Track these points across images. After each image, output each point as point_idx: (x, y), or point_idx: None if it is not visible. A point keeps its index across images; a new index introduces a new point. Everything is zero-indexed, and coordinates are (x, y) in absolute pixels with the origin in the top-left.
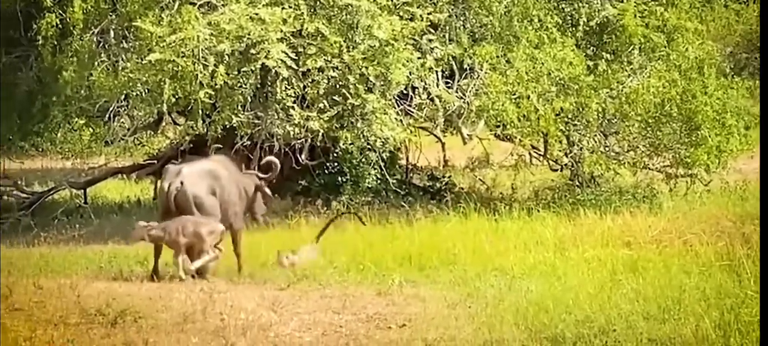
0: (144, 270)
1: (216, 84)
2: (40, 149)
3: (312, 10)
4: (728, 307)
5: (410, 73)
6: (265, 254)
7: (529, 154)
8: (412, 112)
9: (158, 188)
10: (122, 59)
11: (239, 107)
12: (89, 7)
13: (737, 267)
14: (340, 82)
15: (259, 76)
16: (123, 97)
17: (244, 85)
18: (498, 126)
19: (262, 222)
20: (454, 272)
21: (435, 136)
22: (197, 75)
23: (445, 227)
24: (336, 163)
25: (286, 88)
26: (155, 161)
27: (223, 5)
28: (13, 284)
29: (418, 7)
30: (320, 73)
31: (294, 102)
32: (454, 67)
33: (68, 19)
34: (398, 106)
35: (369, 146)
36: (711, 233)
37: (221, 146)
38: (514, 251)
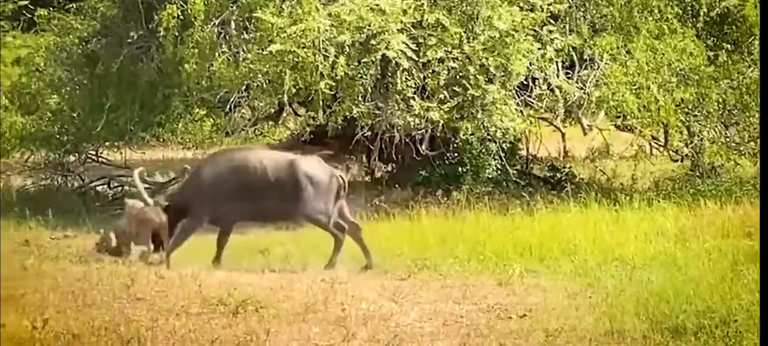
0: (265, 260)
1: (336, 75)
2: (162, 140)
3: (432, 1)
4: None
5: (530, 63)
6: (386, 244)
7: (650, 144)
8: (533, 102)
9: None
10: (243, 50)
11: (360, 98)
12: None
13: None
14: (461, 73)
15: (379, 67)
16: (244, 87)
17: (364, 76)
18: (618, 116)
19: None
20: (575, 262)
21: (555, 126)
22: (318, 66)
23: (566, 217)
24: (456, 154)
25: (406, 78)
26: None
27: None
28: (135, 274)
29: None
30: (440, 63)
31: (414, 93)
32: (575, 57)
33: (189, 11)
34: (518, 96)
35: (489, 137)
36: None
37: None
38: (634, 241)
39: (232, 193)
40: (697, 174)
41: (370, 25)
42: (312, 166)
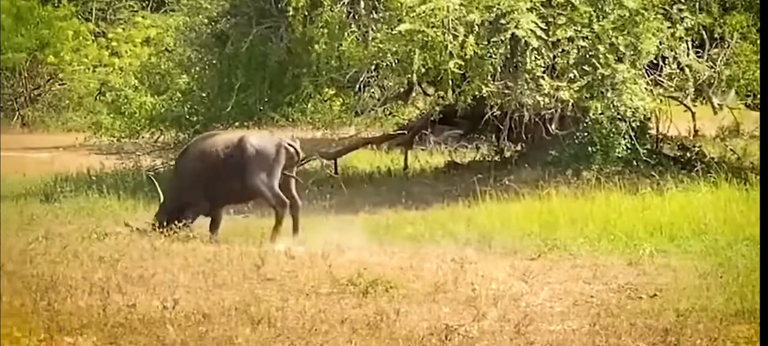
0: (392, 239)
1: (466, 54)
2: (291, 120)
3: None
4: None
5: (660, 42)
6: (516, 224)
7: None
8: (662, 81)
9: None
10: (372, 29)
11: (489, 77)
12: None
13: None
14: (590, 52)
15: (508, 46)
16: (373, 67)
17: (493, 56)
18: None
19: None
20: (705, 242)
21: (685, 106)
22: (447, 45)
23: (696, 197)
24: (586, 133)
25: (535, 58)
26: (405, 132)
27: None
28: (265, 254)
29: None
30: (570, 43)
31: (544, 72)
32: (704, 36)
33: None
34: (648, 75)
35: (619, 116)
36: None
37: None
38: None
39: (203, 179)
40: None
41: (499, 4)
42: (258, 138)
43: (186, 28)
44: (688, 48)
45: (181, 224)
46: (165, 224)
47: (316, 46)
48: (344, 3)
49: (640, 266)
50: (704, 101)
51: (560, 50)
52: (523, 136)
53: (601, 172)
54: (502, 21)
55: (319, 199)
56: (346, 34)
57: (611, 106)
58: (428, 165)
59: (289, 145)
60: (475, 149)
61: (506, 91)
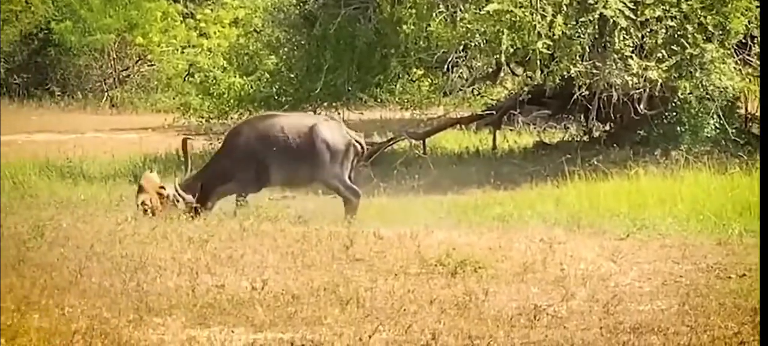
0: (481, 219)
1: (554, 34)
2: (379, 100)
3: None
4: None
5: (749, 22)
6: (605, 204)
7: None
8: (751, 61)
9: None
10: (460, 10)
11: (577, 57)
12: None
13: None
14: (679, 32)
15: (597, 26)
16: (461, 47)
17: (582, 35)
18: None
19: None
20: None
21: None
22: (535, 25)
23: None
24: (674, 113)
25: (624, 37)
26: (494, 112)
27: None
28: (354, 235)
29: None
30: (658, 22)
31: (632, 52)
32: None
33: None
34: (737, 55)
35: (707, 96)
36: None
37: None
38: None
39: (259, 159)
40: None
41: None
42: (330, 132)
43: (274, 9)
44: None
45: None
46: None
47: (405, 27)
48: None
49: (729, 245)
50: None
51: (648, 30)
52: (612, 116)
53: (689, 151)
54: (591, 1)
55: (408, 179)
56: (434, 14)
57: (700, 85)
58: (517, 145)
59: (357, 141)
60: (564, 129)
61: (594, 71)
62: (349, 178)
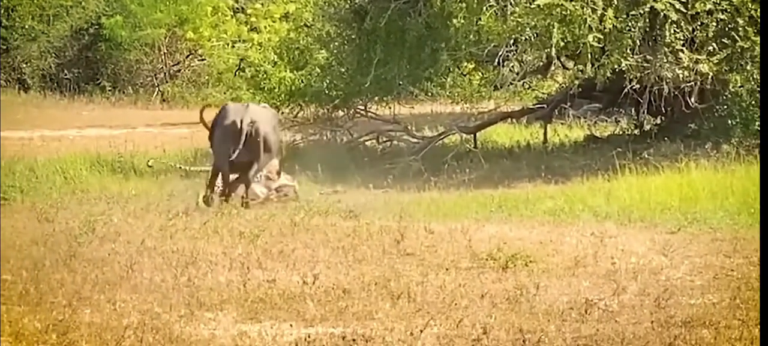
0: (532, 213)
1: (604, 28)
2: (430, 94)
3: None
4: None
5: None
6: (656, 198)
7: None
8: None
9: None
10: (511, 4)
11: (628, 51)
12: None
13: None
14: (729, 25)
15: (647, 20)
16: (512, 41)
17: (632, 29)
18: None
19: None
20: None
21: None
22: (586, 19)
23: None
24: (725, 106)
25: (675, 31)
26: (545, 106)
27: None
28: (404, 229)
29: None
30: (709, 15)
31: (683, 45)
32: None
33: None
34: None
35: (759, 89)
36: None
37: None
38: None
39: None
40: None
41: None
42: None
43: (325, 4)
44: None
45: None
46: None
47: (455, 21)
48: None
49: None
50: None
51: (699, 23)
52: (663, 109)
53: (740, 145)
54: None
55: (459, 173)
56: (484, 8)
57: (751, 78)
58: (567, 139)
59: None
60: (615, 123)
61: (645, 65)
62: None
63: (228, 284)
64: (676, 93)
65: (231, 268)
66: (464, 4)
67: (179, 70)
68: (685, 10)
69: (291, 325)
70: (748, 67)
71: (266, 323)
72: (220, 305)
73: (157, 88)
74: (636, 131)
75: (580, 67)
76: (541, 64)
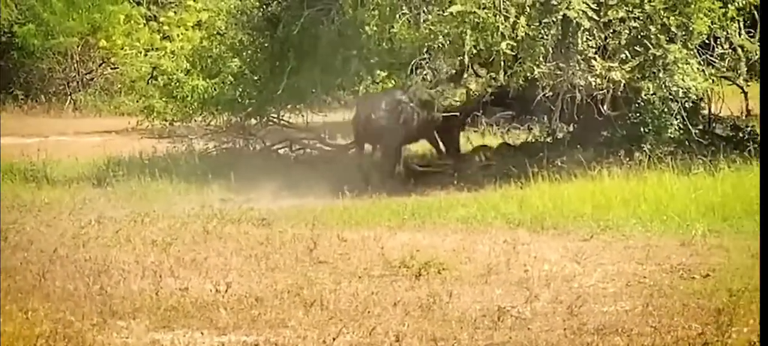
0: (444, 221)
1: (517, 35)
2: (343, 102)
3: None
4: None
5: (712, 22)
6: (569, 205)
7: None
8: (714, 61)
9: None
10: (423, 12)
11: (541, 58)
12: None
13: None
14: (642, 33)
15: (560, 27)
16: (424, 49)
17: (545, 37)
18: None
19: None
20: (758, 222)
21: (737, 85)
22: (498, 26)
23: (749, 177)
24: (638, 114)
25: (587, 38)
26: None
27: None
28: (317, 237)
29: None
30: (622, 23)
31: (595, 53)
32: (756, 16)
33: None
34: (700, 56)
35: (671, 96)
36: None
37: None
38: None
39: None
40: None
41: None
42: None
43: (237, 12)
44: (740, 28)
45: None
46: None
47: (367, 29)
48: None
49: (693, 246)
50: (757, 81)
51: (612, 31)
52: (575, 117)
53: (653, 152)
54: (554, 2)
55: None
56: (397, 16)
57: (663, 86)
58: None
59: None
60: (527, 131)
61: (558, 73)
62: None
63: (140, 293)
64: (588, 101)
65: (143, 276)
66: (376, 12)
67: (92, 79)
68: (597, 18)
69: (203, 333)
70: (661, 75)
71: (179, 332)
72: (132, 313)
73: (69, 97)
74: (549, 139)
75: (493, 74)
76: (454, 72)
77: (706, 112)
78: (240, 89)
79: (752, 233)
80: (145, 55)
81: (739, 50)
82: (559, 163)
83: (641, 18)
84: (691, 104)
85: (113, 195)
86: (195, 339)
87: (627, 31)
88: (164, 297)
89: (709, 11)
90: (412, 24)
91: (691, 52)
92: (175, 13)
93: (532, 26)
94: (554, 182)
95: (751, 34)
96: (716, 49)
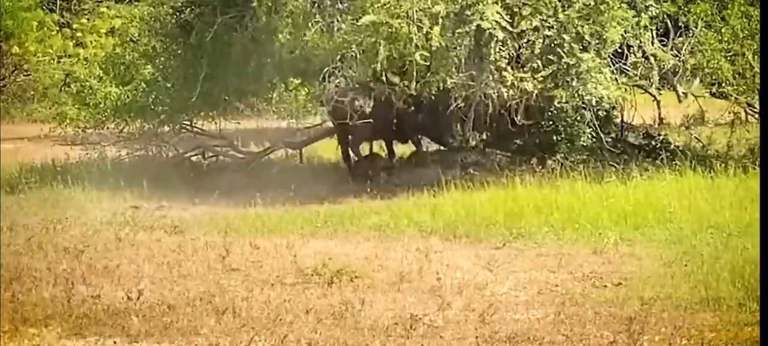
0: (357, 229)
1: (431, 46)
2: (256, 109)
3: None
4: None
5: (625, 31)
6: (481, 213)
7: (745, 111)
8: (627, 70)
9: None
10: (337, 20)
11: (454, 69)
12: None
13: None
14: (555, 42)
15: (473, 38)
16: (338, 57)
17: (458, 47)
18: (713, 84)
19: None
20: (670, 230)
21: (650, 94)
22: (412, 37)
23: (661, 185)
24: (551, 122)
25: (500, 49)
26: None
27: None
28: (230, 245)
29: None
30: (535, 33)
31: (508, 63)
32: (669, 25)
33: None
34: (613, 64)
35: (584, 105)
36: None
37: None
38: (730, 208)
39: None
40: None
41: None
42: None
43: (151, 18)
44: (652, 37)
45: None
46: None
47: (281, 36)
48: None
49: (605, 254)
50: (669, 90)
51: (525, 41)
52: (489, 125)
53: (566, 161)
54: (467, 12)
55: (284, 189)
56: (310, 24)
57: (576, 95)
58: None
59: None
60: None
61: (471, 83)
62: None
63: (52, 300)
64: (501, 110)
65: (55, 284)
66: (290, 20)
67: (4, 85)
68: (511, 29)
69: (115, 341)
70: (573, 84)
71: (91, 339)
72: (44, 320)
73: None
74: (462, 147)
75: (406, 84)
76: (368, 80)
77: (618, 120)
78: (153, 96)
79: (664, 241)
80: (58, 61)
81: (652, 59)
82: (472, 172)
83: (555, 27)
84: (603, 113)
85: (25, 202)
86: None
87: (540, 41)
88: (76, 305)
89: (622, 20)
90: (325, 32)
91: (605, 61)
92: (88, 19)
93: (445, 36)
94: (467, 190)
95: (664, 43)
96: (629, 58)
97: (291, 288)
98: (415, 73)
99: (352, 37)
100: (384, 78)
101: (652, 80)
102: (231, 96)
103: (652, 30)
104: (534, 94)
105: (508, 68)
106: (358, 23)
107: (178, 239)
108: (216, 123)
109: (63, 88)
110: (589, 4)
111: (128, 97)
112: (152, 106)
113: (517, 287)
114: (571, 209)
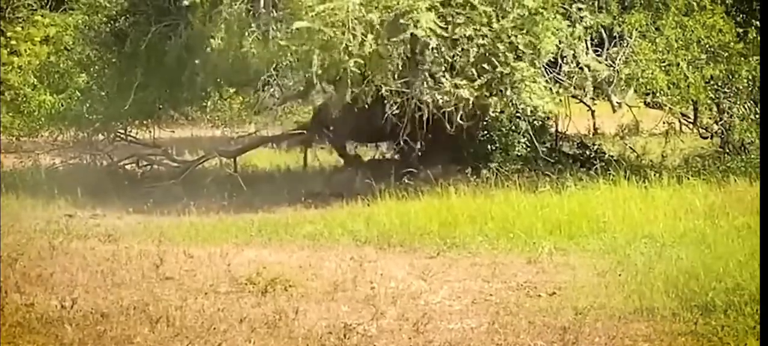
0: (291, 238)
1: (365, 53)
2: (190, 118)
3: None
4: None
5: (560, 41)
6: (416, 223)
7: (679, 121)
8: (562, 80)
9: None
10: (272, 28)
11: (389, 76)
12: None
13: None
14: (490, 51)
15: (408, 45)
16: (273, 66)
17: (393, 55)
18: (647, 94)
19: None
20: (604, 240)
21: (584, 104)
22: (346, 44)
23: (595, 195)
24: (485, 132)
25: (435, 56)
26: (304, 131)
27: None
28: (164, 253)
29: None
30: (469, 41)
31: (443, 71)
32: (604, 35)
33: None
34: (547, 74)
35: (518, 115)
36: None
37: None
38: (664, 218)
39: None
40: (727, 151)
41: (398, 4)
42: None
43: (85, 27)
44: (587, 47)
45: None
46: None
47: (213, 42)
48: (244, 1)
49: (539, 264)
50: (603, 99)
51: (460, 49)
52: (424, 134)
53: (500, 170)
54: (402, 20)
55: (218, 198)
56: (246, 32)
57: (510, 104)
58: (327, 164)
59: None
60: (375, 148)
61: (405, 90)
62: None
63: None
64: (437, 116)
65: None
66: (225, 27)
67: None
68: (445, 36)
69: None
70: (508, 93)
71: None
72: None
73: None
74: (396, 156)
75: (341, 91)
76: (302, 88)
77: (553, 130)
78: (87, 105)
79: (598, 251)
80: None
81: (586, 69)
82: (407, 181)
83: (489, 36)
84: (538, 122)
85: None
86: None
87: (475, 49)
88: (10, 313)
89: (556, 30)
90: (260, 40)
91: (539, 71)
92: (22, 28)
93: (380, 44)
94: (401, 200)
95: (598, 53)
96: (564, 68)
97: (225, 297)
98: (349, 81)
99: (288, 44)
100: (319, 86)
101: (586, 90)
102: (165, 105)
103: (586, 40)
104: (470, 103)
105: (445, 75)
106: (293, 30)
107: (112, 247)
108: (150, 131)
109: None
110: (524, 15)
111: (62, 105)
112: (87, 115)
113: (452, 296)
114: (505, 219)
